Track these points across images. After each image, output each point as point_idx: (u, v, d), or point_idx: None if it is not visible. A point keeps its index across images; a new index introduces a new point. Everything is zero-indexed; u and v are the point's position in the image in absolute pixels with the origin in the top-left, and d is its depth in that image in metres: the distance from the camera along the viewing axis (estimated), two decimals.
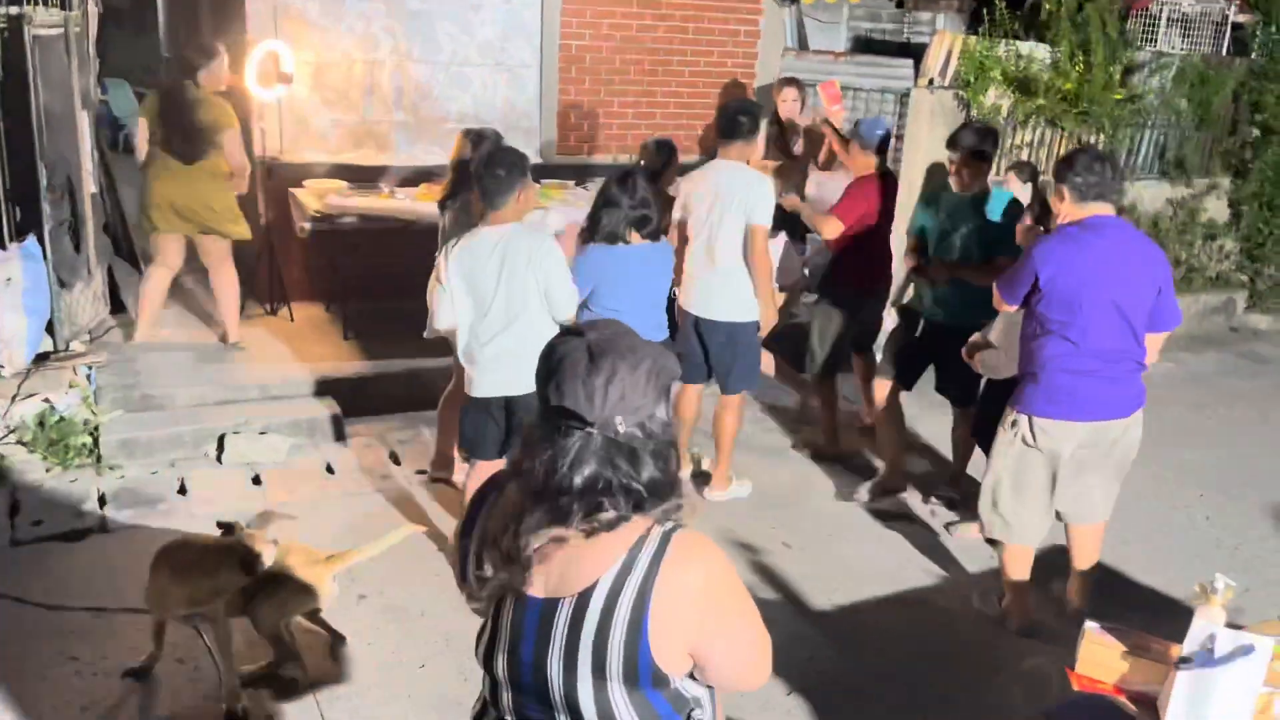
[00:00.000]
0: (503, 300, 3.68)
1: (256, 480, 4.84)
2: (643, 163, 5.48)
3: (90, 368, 5.29)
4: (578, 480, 1.49)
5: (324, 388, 5.56)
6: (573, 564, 1.52)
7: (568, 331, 1.58)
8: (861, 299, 5.23)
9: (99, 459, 4.82)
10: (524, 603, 1.56)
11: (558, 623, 1.52)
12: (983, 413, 4.56)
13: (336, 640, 3.61)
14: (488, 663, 1.63)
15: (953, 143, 4.62)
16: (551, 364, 1.53)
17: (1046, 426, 3.62)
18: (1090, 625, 2.50)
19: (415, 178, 6.64)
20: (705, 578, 1.52)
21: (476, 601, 1.65)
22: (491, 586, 1.59)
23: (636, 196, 4.12)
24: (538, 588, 1.54)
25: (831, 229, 4.98)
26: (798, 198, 5.37)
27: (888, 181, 5.09)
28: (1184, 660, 2.18)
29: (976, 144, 4.57)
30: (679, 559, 1.50)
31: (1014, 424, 3.70)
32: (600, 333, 1.56)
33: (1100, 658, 2.42)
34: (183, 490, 4.70)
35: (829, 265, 5.34)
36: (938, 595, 4.23)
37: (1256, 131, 8.15)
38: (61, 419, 4.85)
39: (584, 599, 1.50)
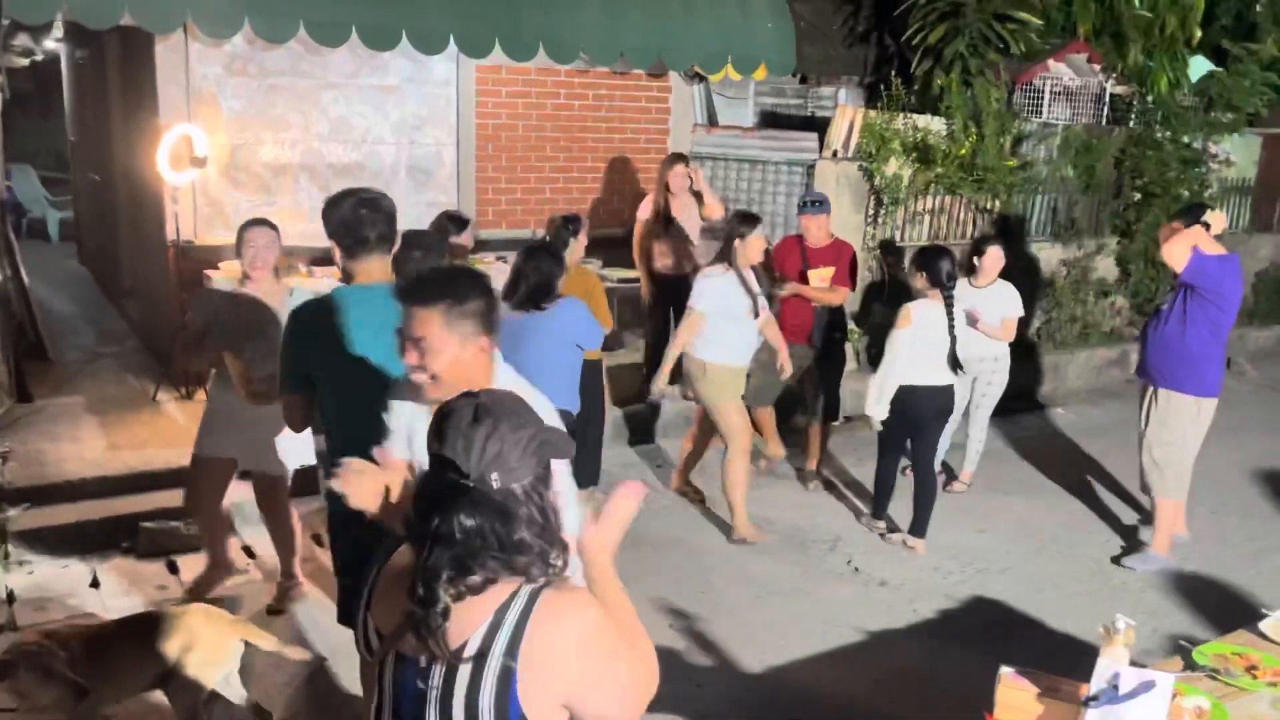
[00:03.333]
0: None
1: (173, 568, 4.71)
2: (548, 237, 5.61)
3: None
4: (451, 529, 1.54)
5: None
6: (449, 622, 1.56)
7: (465, 394, 1.67)
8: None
9: (6, 554, 4.65)
10: (403, 663, 1.62)
11: (432, 681, 1.58)
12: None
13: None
14: None
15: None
16: (439, 416, 1.62)
17: (1206, 405, 4.96)
18: (1005, 670, 2.60)
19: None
20: (575, 634, 1.55)
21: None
22: (380, 650, 1.66)
23: (538, 269, 4.36)
24: (407, 646, 1.60)
25: (841, 295, 5.92)
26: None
27: None
28: (1091, 699, 2.29)
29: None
30: (546, 618, 1.54)
31: (1200, 408, 4.92)
32: (493, 396, 1.64)
33: (1016, 701, 2.52)
34: (95, 583, 4.55)
35: (829, 321, 5.97)
36: (867, 651, 4.31)
37: (1138, 195, 8.65)
38: None
39: (455, 658, 1.55)
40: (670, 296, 6.54)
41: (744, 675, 4.08)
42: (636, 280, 6.83)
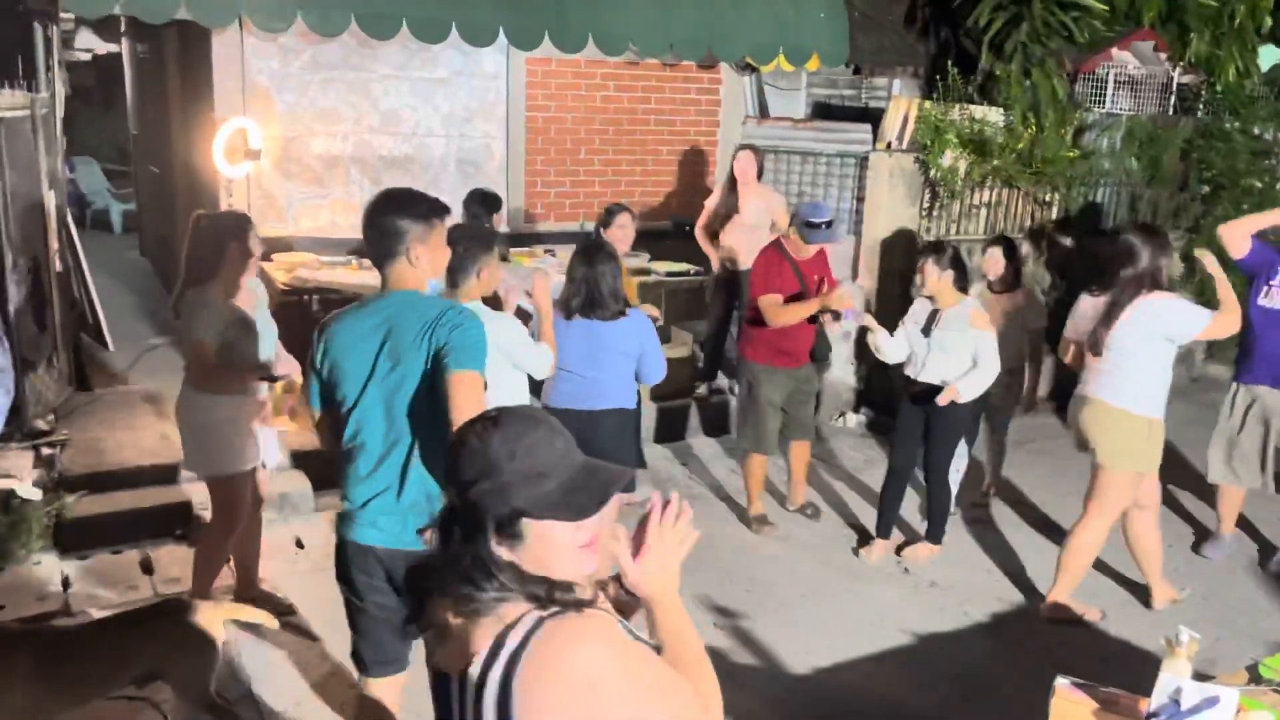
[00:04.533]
0: None
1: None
2: (600, 227, 5.59)
3: (56, 446, 5.23)
4: (457, 546, 1.51)
5: (294, 461, 5.51)
6: (461, 641, 1.52)
7: (491, 411, 1.61)
8: None
9: (63, 540, 4.74)
10: (439, 679, 1.61)
11: (453, 698, 1.55)
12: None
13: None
14: None
15: None
16: (470, 422, 1.58)
17: None
18: (1061, 682, 2.51)
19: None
20: (575, 667, 1.44)
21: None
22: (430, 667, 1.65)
23: (601, 276, 4.18)
24: (438, 660, 1.59)
25: None
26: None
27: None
28: (1152, 715, 2.20)
29: None
30: (547, 648, 1.46)
31: None
32: (516, 414, 1.56)
33: (1072, 715, 2.43)
34: (148, 569, 4.63)
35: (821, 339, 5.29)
36: (915, 654, 4.22)
37: (1206, 188, 8.38)
38: (24, 500, 4.77)
39: (464, 677, 1.51)
40: (734, 290, 6.49)
41: (788, 675, 4.02)
42: (685, 274, 6.77)
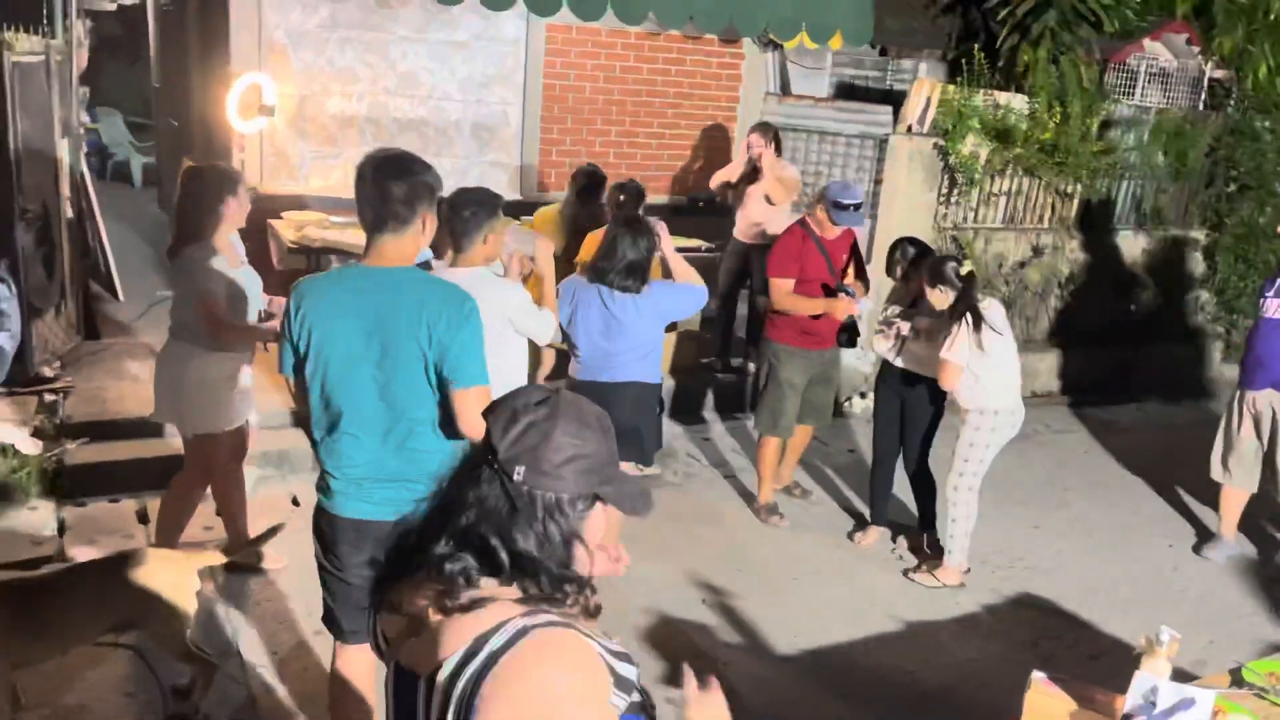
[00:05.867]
0: None
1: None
2: (617, 204, 5.53)
3: (59, 393, 5.26)
4: (453, 501, 1.45)
5: (296, 419, 5.52)
6: (431, 639, 1.42)
7: (543, 387, 1.57)
8: None
9: (61, 487, 4.77)
10: (392, 670, 1.50)
11: (419, 699, 1.43)
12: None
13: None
14: None
15: None
16: (510, 393, 1.52)
17: None
18: (1037, 675, 2.49)
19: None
20: (542, 690, 1.33)
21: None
22: (386, 659, 1.53)
23: (638, 247, 4.06)
24: (403, 656, 1.47)
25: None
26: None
27: None
28: (1126, 717, 2.16)
29: None
30: (517, 664, 1.34)
31: None
32: (578, 396, 1.52)
33: (1046, 709, 2.40)
34: (143, 519, 4.65)
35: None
36: (903, 641, 4.20)
37: (1232, 187, 8.24)
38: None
39: (431, 680, 1.40)
40: (747, 265, 6.41)
41: (774, 656, 4.01)
42: (696, 249, 6.71)
